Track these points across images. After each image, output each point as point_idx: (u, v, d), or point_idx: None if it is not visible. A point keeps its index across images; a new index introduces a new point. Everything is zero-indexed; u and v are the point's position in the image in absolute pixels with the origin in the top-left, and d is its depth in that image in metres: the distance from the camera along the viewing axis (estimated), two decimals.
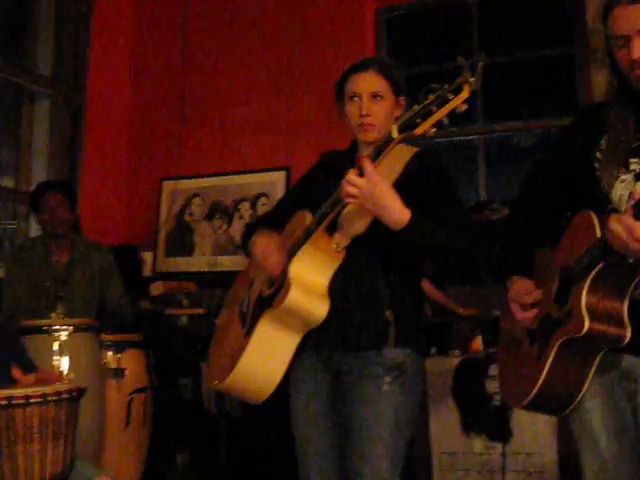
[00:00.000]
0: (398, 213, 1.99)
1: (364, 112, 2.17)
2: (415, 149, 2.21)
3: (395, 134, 1.88)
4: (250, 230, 2.42)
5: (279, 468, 3.49)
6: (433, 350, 3.54)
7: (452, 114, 1.81)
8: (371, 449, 2.10)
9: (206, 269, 4.76)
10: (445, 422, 3.38)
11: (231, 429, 3.80)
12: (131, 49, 5.33)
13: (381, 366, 2.13)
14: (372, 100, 2.18)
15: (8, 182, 5.05)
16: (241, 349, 2.18)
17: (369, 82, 2.19)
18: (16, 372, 2.36)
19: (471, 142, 4.69)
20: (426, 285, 3.57)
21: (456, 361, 3.46)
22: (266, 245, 2.25)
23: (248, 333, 2.21)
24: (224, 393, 3.47)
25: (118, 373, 3.44)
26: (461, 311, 3.71)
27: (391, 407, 2.12)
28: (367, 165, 1.94)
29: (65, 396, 2.20)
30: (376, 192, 1.95)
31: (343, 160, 2.28)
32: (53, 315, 3.35)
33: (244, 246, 2.44)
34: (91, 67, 5.04)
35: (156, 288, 4.28)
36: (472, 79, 1.77)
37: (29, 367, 2.54)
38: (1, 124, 5.17)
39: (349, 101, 2.22)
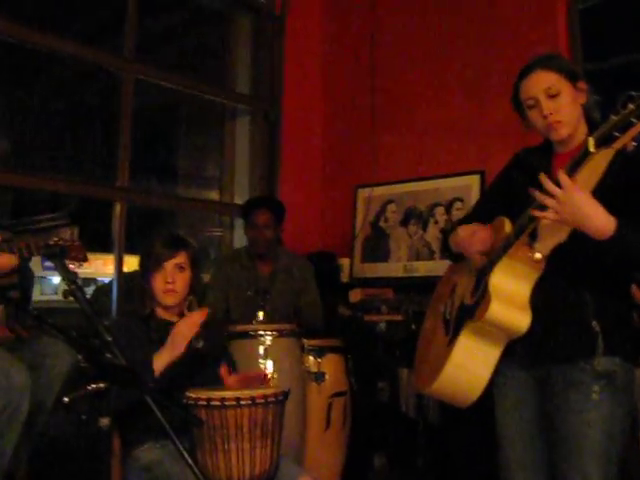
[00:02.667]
0: (602, 222, 1.90)
1: (546, 112, 2.09)
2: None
3: (592, 149, 1.78)
4: (448, 233, 2.42)
5: (477, 475, 3.44)
6: None
7: None
8: (581, 459, 2.04)
9: (402, 275, 4.78)
10: None
11: (429, 434, 3.79)
12: (323, 62, 5.49)
13: (589, 374, 2.06)
14: (549, 98, 2.10)
15: (214, 195, 5.39)
16: (444, 358, 2.21)
17: (539, 82, 2.12)
18: (224, 370, 2.52)
19: None
20: (637, 292, 3.36)
21: None
22: (470, 229, 2.24)
23: (451, 342, 2.23)
24: (427, 397, 3.52)
25: (319, 377, 3.56)
26: None
27: (601, 416, 2.04)
28: (564, 179, 1.86)
29: (272, 399, 2.32)
30: (575, 204, 1.87)
31: (538, 159, 2.22)
32: (258, 321, 3.53)
33: (444, 249, 2.44)
34: (286, 82, 5.24)
35: (355, 295, 4.36)
36: None
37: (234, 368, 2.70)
38: (207, 142, 5.52)
39: (529, 109, 2.16)
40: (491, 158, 4.40)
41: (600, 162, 2.02)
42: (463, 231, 2.30)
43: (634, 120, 1.70)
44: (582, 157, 1.84)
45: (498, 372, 2.20)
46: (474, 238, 2.23)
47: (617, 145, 1.74)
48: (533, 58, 2.19)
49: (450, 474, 3.72)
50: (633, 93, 1.71)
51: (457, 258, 2.44)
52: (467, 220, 2.47)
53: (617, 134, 1.73)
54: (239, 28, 5.40)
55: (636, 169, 2.02)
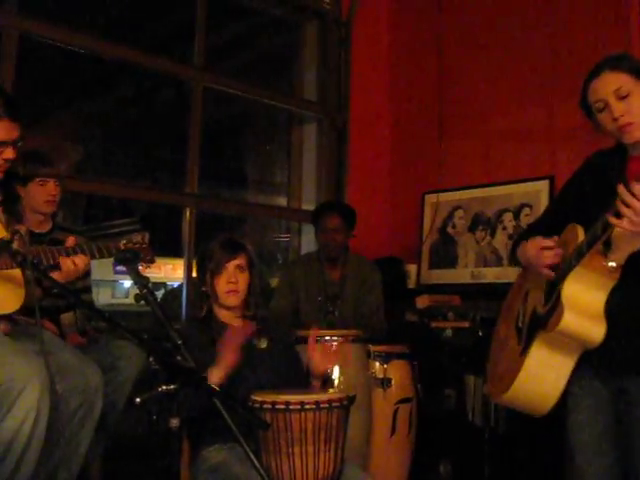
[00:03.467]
0: None
1: (616, 115, 2.05)
2: None
3: None
4: (519, 240, 2.40)
5: None
6: None
7: None
8: None
9: (469, 281, 4.74)
10: None
11: (496, 443, 3.74)
12: (389, 68, 5.49)
13: None
14: (619, 100, 2.05)
15: (282, 201, 5.45)
16: (517, 367, 2.20)
17: (607, 84, 2.07)
18: (313, 338, 2.54)
19: None
20: None
21: None
22: (538, 243, 2.21)
23: (523, 352, 2.21)
24: (494, 405, 3.49)
25: (385, 383, 3.55)
26: None
27: None
28: (638, 189, 1.82)
29: (336, 404, 2.33)
30: None
31: (611, 163, 2.18)
32: (324, 326, 3.56)
33: (512, 257, 2.42)
34: (353, 89, 5.27)
35: (421, 301, 4.34)
36: None
37: None
38: (275, 148, 5.59)
39: (598, 112, 2.11)
40: (560, 163, 4.34)
41: None
42: (531, 245, 2.26)
43: None
44: None
45: (573, 381, 2.17)
46: (542, 253, 2.20)
47: None
48: (602, 59, 2.15)
49: None
50: None
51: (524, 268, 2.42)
52: (537, 226, 2.44)
53: None
54: (306, 35, 5.45)
55: None
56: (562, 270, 2.11)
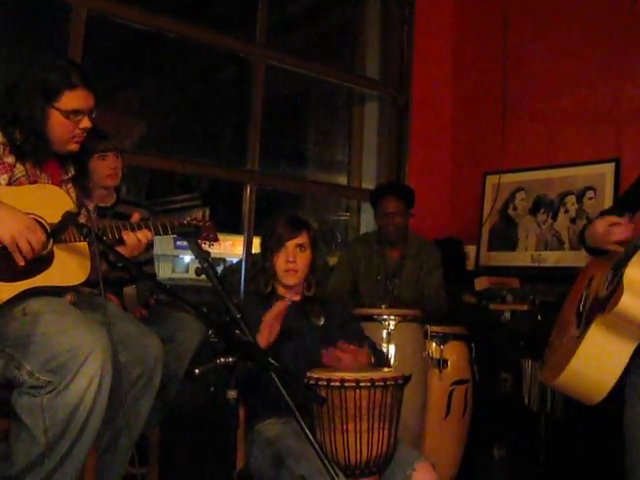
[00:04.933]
0: None
1: None
2: None
3: None
4: (587, 226, 2.35)
5: (602, 473, 3.34)
6: None
7: None
8: None
9: (529, 264, 4.69)
10: None
11: (551, 428, 3.71)
12: (452, 46, 5.42)
13: None
14: None
15: (342, 179, 5.45)
16: (572, 351, 2.17)
17: None
18: (342, 345, 2.53)
19: None
20: None
21: None
22: (606, 221, 2.19)
23: (581, 335, 2.18)
24: (551, 390, 3.44)
25: (441, 363, 3.55)
26: None
27: None
28: None
29: (391, 382, 2.34)
30: None
31: None
32: (383, 305, 3.56)
33: (581, 237, 2.38)
34: (415, 67, 5.23)
35: (480, 283, 4.30)
36: None
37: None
38: (336, 126, 5.58)
39: None
40: (627, 145, 4.25)
41: None
42: (600, 222, 2.23)
43: None
44: None
45: (632, 372, 2.13)
46: (612, 228, 2.15)
47: None
48: None
49: (573, 471, 3.63)
50: None
51: (594, 251, 2.37)
52: (611, 212, 2.39)
53: None
54: (368, 12, 5.41)
55: None
56: (627, 253, 2.07)
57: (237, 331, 1.78)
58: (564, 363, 2.17)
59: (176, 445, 3.25)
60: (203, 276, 1.93)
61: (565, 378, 2.17)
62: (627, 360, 2.09)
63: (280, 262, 2.65)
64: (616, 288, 2.05)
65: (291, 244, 2.65)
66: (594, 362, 2.12)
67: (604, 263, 2.25)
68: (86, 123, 2.34)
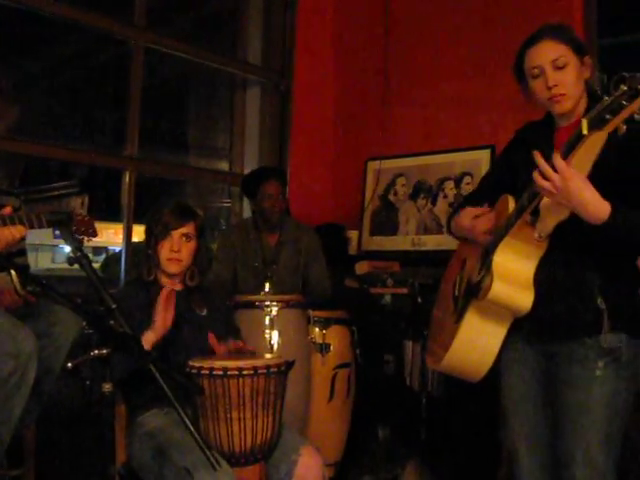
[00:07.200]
0: (596, 209, 1.88)
1: (551, 84, 2.06)
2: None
3: (585, 131, 1.74)
4: (455, 211, 2.43)
5: (479, 446, 3.47)
6: None
7: None
8: (584, 433, 2.05)
9: (410, 248, 4.79)
10: None
11: (432, 406, 3.82)
12: (335, 33, 5.44)
13: (594, 351, 2.07)
14: (556, 70, 2.06)
15: (224, 165, 5.39)
16: (452, 336, 2.23)
17: (547, 51, 2.08)
18: (212, 339, 2.54)
19: None
20: None
21: None
22: (470, 212, 2.27)
23: (458, 320, 2.25)
24: (431, 371, 3.54)
25: (324, 348, 3.58)
26: None
27: (605, 392, 2.06)
28: (559, 163, 1.84)
29: (274, 369, 2.34)
30: (570, 189, 1.85)
31: (538, 134, 2.21)
32: (264, 292, 3.55)
33: (448, 227, 2.45)
34: (298, 53, 5.21)
35: (361, 267, 4.36)
36: None
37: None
38: (217, 112, 5.51)
39: (532, 79, 2.11)
40: (501, 132, 4.36)
41: (596, 144, 1.99)
42: (464, 217, 2.31)
43: (625, 102, 1.65)
44: (576, 140, 1.81)
45: (505, 348, 2.21)
46: (476, 220, 2.24)
47: (609, 128, 1.70)
48: (542, 26, 2.15)
49: (452, 446, 3.75)
50: (625, 74, 1.66)
51: (462, 239, 2.46)
52: (473, 196, 2.50)
53: (609, 116, 1.69)
54: None
55: (628, 153, 1.99)
56: (494, 240, 2.14)
57: (111, 322, 1.72)
58: (446, 347, 2.24)
59: (53, 443, 3.13)
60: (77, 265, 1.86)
61: (448, 361, 2.23)
62: (502, 340, 2.18)
63: (164, 251, 2.62)
64: (487, 274, 2.12)
65: (177, 233, 2.62)
66: (473, 344, 2.19)
67: (474, 246, 2.33)
68: None
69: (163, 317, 2.42)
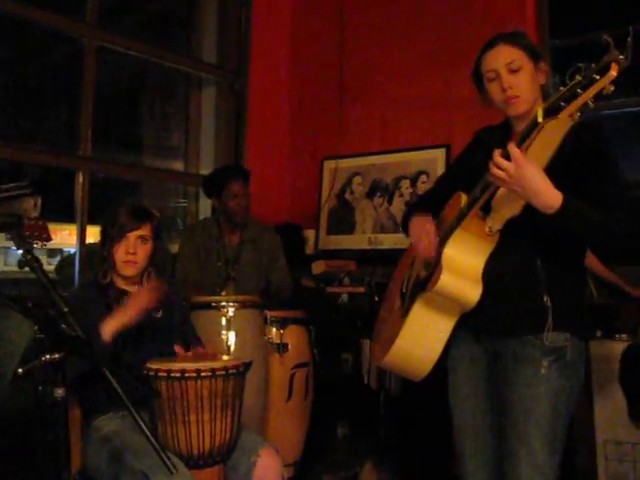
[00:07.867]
0: (548, 197, 1.90)
1: (505, 85, 2.09)
2: (572, 122, 2.11)
3: (540, 119, 1.79)
4: (410, 210, 2.44)
5: (436, 442, 3.50)
6: (599, 333, 3.31)
7: (599, 96, 1.69)
8: (528, 431, 2.07)
9: (367, 247, 4.81)
10: (611, 409, 3.18)
11: (390, 404, 3.84)
12: (291, 32, 5.45)
13: (539, 349, 2.09)
14: (510, 73, 2.09)
15: (179, 165, 5.35)
16: (398, 330, 2.22)
17: (501, 56, 2.11)
18: (178, 349, 2.53)
19: None
20: (593, 262, 3.42)
21: (623, 346, 3.20)
22: (420, 227, 2.26)
23: (405, 314, 2.25)
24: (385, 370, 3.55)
25: (281, 348, 3.57)
26: (629, 291, 3.51)
27: (549, 390, 2.07)
28: (513, 151, 1.86)
29: (232, 370, 2.33)
30: (524, 176, 1.87)
31: (496, 137, 2.23)
32: (221, 292, 3.53)
33: (404, 226, 2.46)
34: (253, 52, 5.20)
35: (317, 267, 4.37)
36: (621, 57, 1.64)
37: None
38: (172, 111, 5.46)
39: (489, 82, 2.15)
40: (457, 132, 4.43)
41: (553, 137, 2.03)
42: (415, 224, 2.31)
43: (580, 91, 1.70)
44: (531, 128, 1.85)
45: (453, 345, 2.23)
46: (422, 235, 2.23)
47: (563, 115, 1.75)
48: (499, 33, 2.19)
49: (411, 443, 3.78)
50: (581, 65, 1.72)
51: None
52: (428, 197, 2.52)
53: (563, 104, 1.74)
54: None
55: (582, 141, 2.03)
56: (445, 233, 2.16)
57: (63, 325, 1.69)
58: (390, 342, 2.23)
59: (6, 450, 3.07)
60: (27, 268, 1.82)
61: (392, 356, 2.23)
62: (448, 335, 2.19)
63: (120, 252, 2.59)
64: (436, 267, 2.13)
65: (132, 235, 2.59)
66: (418, 338, 2.19)
67: None
68: None
69: (133, 312, 2.39)
